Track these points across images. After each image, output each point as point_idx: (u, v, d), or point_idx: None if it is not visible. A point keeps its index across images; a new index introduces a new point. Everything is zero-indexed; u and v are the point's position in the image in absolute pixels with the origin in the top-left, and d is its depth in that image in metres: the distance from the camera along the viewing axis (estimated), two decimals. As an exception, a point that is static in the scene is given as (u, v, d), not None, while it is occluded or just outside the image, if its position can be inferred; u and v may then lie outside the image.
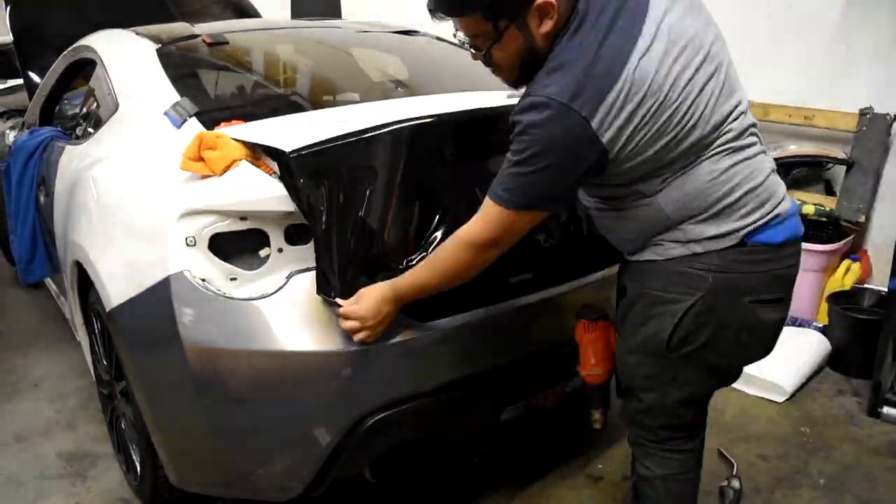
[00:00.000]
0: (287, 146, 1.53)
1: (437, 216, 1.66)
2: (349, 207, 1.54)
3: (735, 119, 1.36)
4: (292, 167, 1.51)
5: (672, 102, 1.28)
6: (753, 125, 1.41)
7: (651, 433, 1.59)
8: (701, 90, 1.30)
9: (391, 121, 1.62)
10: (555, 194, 1.35)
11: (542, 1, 1.27)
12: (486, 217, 1.39)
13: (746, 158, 1.38)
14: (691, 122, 1.30)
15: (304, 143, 1.53)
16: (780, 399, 2.80)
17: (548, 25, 1.30)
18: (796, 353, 2.93)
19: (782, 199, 1.43)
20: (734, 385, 1.91)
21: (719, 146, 1.35)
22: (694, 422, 1.60)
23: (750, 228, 1.37)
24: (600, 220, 1.56)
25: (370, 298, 1.52)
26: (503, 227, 1.39)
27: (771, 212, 1.39)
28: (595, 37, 1.26)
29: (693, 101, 1.29)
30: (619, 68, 1.23)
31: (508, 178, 1.33)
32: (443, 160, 1.66)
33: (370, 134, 1.59)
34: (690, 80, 1.29)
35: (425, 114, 1.69)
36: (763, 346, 1.53)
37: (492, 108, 1.82)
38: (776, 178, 1.45)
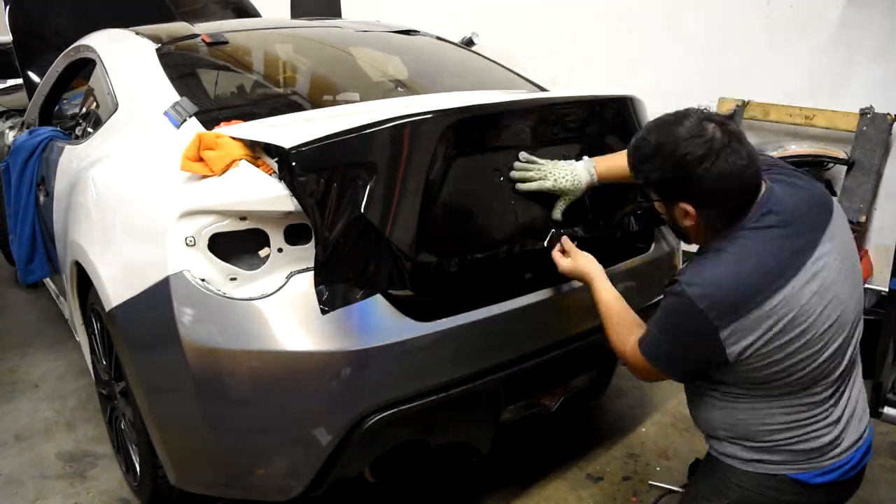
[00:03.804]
0: (287, 143, 1.53)
1: (439, 211, 1.65)
2: (350, 203, 1.54)
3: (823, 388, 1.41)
4: (293, 163, 1.51)
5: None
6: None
7: None
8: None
9: (391, 116, 1.61)
10: None
11: (682, 206, 1.39)
12: None
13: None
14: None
15: (305, 140, 1.53)
16: (781, 399, 2.79)
17: (689, 222, 1.41)
18: (796, 353, 2.92)
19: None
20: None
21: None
22: None
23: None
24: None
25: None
26: None
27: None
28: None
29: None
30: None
31: None
32: (444, 155, 1.65)
33: (371, 130, 1.58)
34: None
35: (425, 109, 1.68)
36: None
37: (492, 105, 1.82)
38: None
